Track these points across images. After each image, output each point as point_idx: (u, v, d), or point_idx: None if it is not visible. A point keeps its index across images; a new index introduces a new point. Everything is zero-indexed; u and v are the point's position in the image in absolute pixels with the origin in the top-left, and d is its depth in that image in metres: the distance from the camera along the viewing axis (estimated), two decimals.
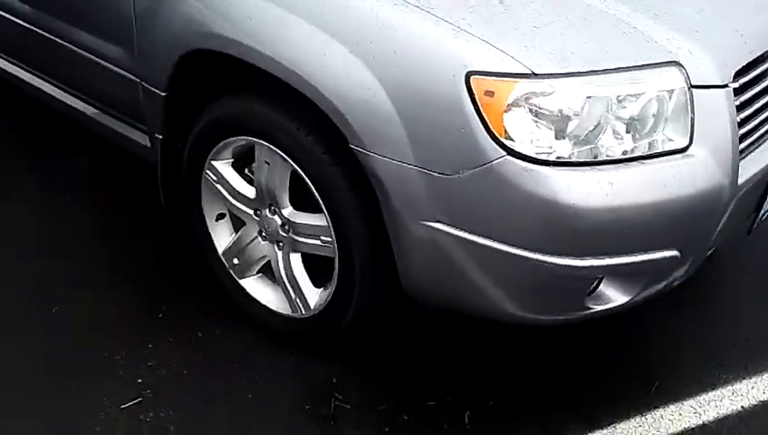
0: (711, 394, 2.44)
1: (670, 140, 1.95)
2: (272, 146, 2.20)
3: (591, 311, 2.06)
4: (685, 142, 1.95)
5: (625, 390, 2.43)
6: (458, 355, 2.51)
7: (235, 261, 2.49)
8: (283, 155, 2.19)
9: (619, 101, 1.90)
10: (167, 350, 2.45)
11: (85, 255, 2.79)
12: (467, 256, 1.98)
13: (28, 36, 2.82)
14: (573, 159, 1.87)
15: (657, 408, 2.38)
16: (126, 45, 2.47)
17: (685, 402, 2.40)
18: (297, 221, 2.28)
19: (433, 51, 1.89)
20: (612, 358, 2.55)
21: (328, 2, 2.02)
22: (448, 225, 1.96)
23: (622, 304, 2.07)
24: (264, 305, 2.47)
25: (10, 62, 3.07)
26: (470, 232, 1.95)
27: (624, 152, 1.91)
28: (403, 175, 1.96)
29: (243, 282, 2.51)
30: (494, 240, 1.93)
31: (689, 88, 1.94)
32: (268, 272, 2.48)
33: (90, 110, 2.81)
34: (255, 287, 2.50)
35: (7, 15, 2.87)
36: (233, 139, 2.31)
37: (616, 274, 2.00)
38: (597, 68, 1.88)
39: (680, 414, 2.37)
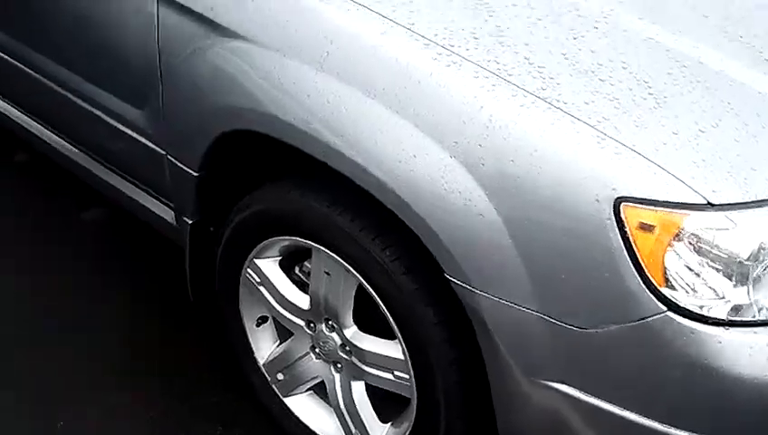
0: None
1: None
2: (334, 254, 1.73)
3: None
4: None
5: None
6: None
7: (280, 376, 2.02)
8: (349, 267, 1.71)
9: None
10: None
11: (85, 341, 2.33)
12: (597, 427, 1.50)
13: (33, 84, 2.34)
14: (757, 318, 1.39)
15: None
16: (149, 110, 1.99)
17: None
18: (363, 347, 1.80)
19: (567, 163, 1.40)
20: None
21: (416, 85, 1.53)
22: (574, 387, 1.49)
23: None
24: (316, 433, 2.00)
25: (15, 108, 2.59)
26: (605, 400, 1.46)
27: None
28: (519, 322, 1.48)
29: (288, 401, 2.03)
30: (637, 413, 1.45)
31: None
32: (321, 389, 2.01)
33: (103, 172, 2.32)
34: (305, 408, 2.02)
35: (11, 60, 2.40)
36: (282, 238, 1.83)
37: None
38: None
39: None
